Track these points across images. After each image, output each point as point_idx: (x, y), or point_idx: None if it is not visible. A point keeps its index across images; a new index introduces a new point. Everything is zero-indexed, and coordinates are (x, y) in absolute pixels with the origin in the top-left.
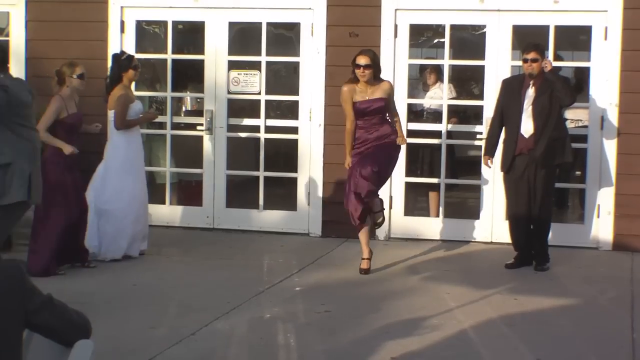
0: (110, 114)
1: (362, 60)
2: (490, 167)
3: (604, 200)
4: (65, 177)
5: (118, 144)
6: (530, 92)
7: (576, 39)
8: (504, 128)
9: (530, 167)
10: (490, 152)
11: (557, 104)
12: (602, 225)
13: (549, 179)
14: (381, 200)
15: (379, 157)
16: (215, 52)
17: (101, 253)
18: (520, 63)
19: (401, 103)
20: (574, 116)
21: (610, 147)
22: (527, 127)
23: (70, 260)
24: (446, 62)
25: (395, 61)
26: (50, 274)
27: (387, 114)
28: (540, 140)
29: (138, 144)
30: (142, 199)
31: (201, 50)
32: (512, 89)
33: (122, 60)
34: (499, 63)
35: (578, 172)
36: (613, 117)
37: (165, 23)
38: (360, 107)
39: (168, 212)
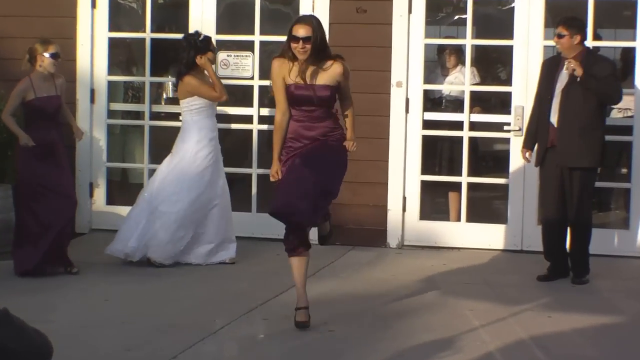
0: (184, 103)
1: (301, 31)
2: (529, 161)
3: None
4: (35, 170)
5: (189, 138)
6: (564, 73)
7: (619, 14)
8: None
9: (563, 161)
10: (529, 144)
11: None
12: None
13: (588, 177)
14: (329, 217)
15: (320, 166)
16: (201, 31)
17: (135, 255)
18: (553, 43)
19: (417, 90)
20: (622, 104)
21: None
22: (556, 114)
23: (53, 262)
24: (468, 42)
25: (410, 41)
26: (26, 275)
27: (334, 106)
28: (564, 133)
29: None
30: (209, 203)
31: (185, 29)
32: (549, 70)
33: (200, 42)
34: (529, 43)
35: (624, 170)
36: None
37: None
38: (295, 94)
39: None
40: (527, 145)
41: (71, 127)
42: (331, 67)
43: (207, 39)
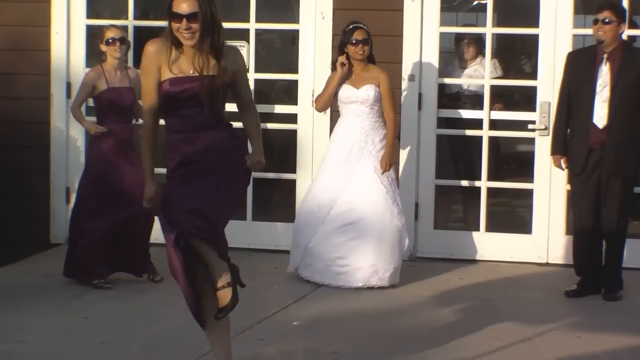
0: None
1: (184, 6)
2: (563, 169)
3: None
4: (104, 165)
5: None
6: (605, 69)
7: None
8: (571, 120)
9: (603, 167)
10: (560, 149)
11: None
12: None
13: (630, 184)
14: (232, 267)
15: (212, 185)
16: None
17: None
18: (585, 32)
19: (431, 84)
20: None
21: None
22: (601, 115)
23: (121, 268)
24: (489, 30)
25: (423, 29)
26: (84, 282)
27: (224, 106)
28: (617, 133)
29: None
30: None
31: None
32: (581, 64)
33: (345, 31)
34: (557, 32)
35: None
36: None
37: None
38: (171, 91)
39: None
40: (560, 150)
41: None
42: (228, 53)
43: (354, 27)
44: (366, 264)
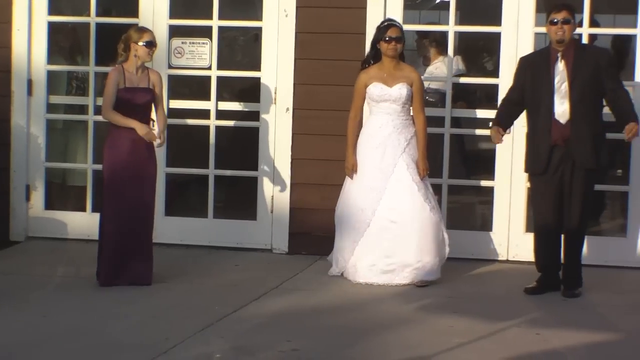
0: None
1: None
2: (500, 142)
3: None
4: (121, 167)
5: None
6: (560, 65)
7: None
8: (529, 120)
9: (567, 163)
10: (504, 123)
11: (600, 84)
12: None
13: (592, 179)
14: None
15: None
16: (153, 14)
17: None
18: (546, 30)
19: None
20: None
21: None
22: (561, 110)
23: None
24: (451, 28)
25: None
26: (108, 284)
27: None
28: (580, 126)
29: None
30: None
31: (134, 12)
32: (535, 65)
33: (379, 28)
34: (519, 30)
35: (619, 171)
36: None
37: None
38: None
39: (89, 222)
40: (502, 123)
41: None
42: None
43: (388, 24)
44: (413, 260)
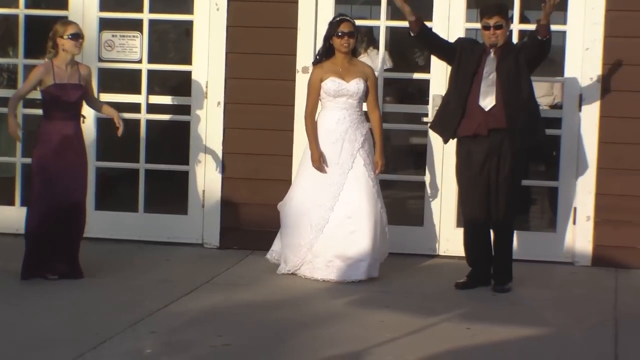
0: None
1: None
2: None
3: (582, 202)
4: (50, 161)
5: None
6: (491, 56)
7: None
8: (453, 97)
9: (492, 155)
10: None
11: (525, 66)
12: (580, 234)
13: (518, 170)
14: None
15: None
16: (83, 7)
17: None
18: (478, 26)
19: None
20: (545, 92)
21: (590, 134)
22: (488, 97)
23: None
24: (382, 23)
25: (317, 22)
26: (28, 277)
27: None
28: (513, 113)
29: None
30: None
31: (64, 5)
32: (470, 50)
33: (331, 23)
34: (450, 25)
35: (543, 167)
36: (594, 95)
37: None
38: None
39: (18, 216)
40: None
41: (113, 120)
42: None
43: (340, 20)
44: (367, 256)
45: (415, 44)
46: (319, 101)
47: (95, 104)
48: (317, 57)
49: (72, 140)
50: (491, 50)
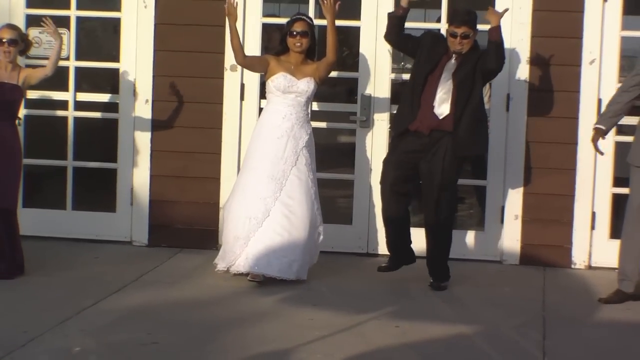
0: None
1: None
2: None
3: (510, 201)
4: None
5: (266, 122)
6: (452, 62)
7: None
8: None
9: (427, 151)
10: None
11: (480, 75)
12: (508, 232)
13: (451, 169)
14: None
15: None
16: (9, 3)
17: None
18: (408, 25)
19: (253, 75)
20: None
21: (518, 134)
22: (443, 105)
23: None
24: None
25: (246, 20)
26: None
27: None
28: (461, 120)
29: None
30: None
31: None
32: (432, 50)
33: (287, 22)
34: (378, 25)
35: (469, 167)
36: (522, 95)
37: None
38: None
39: None
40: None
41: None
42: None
43: (294, 19)
44: (301, 257)
45: (387, 32)
46: (266, 95)
47: (49, 67)
48: (275, 53)
49: (5, 136)
50: (454, 55)
